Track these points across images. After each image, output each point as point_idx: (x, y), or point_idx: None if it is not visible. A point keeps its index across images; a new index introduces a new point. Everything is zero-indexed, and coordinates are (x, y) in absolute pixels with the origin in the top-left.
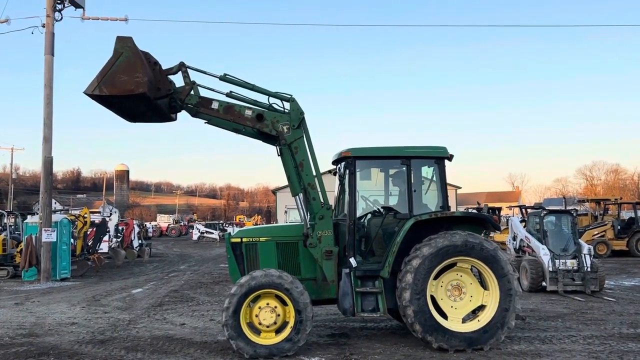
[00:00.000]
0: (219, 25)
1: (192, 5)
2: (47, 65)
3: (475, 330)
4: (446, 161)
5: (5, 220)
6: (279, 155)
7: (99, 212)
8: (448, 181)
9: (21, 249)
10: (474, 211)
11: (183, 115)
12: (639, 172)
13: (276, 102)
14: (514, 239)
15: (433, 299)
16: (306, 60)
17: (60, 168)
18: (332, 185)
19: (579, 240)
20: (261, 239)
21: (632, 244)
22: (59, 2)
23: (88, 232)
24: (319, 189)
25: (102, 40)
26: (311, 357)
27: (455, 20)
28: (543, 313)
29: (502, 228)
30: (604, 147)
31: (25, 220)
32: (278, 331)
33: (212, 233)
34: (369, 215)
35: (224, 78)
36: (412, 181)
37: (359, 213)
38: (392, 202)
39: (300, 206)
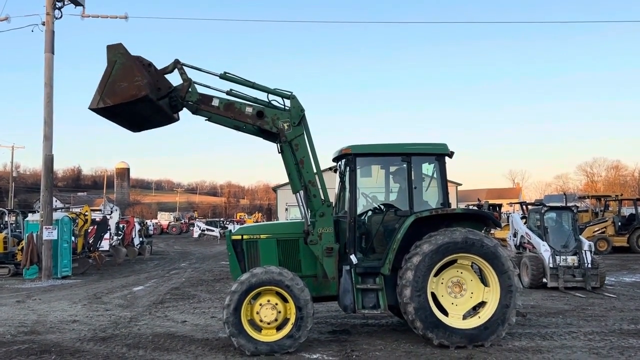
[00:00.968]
0: (221, 23)
1: (193, 4)
2: (47, 63)
3: (476, 326)
4: (447, 158)
5: (6, 219)
6: (279, 153)
7: (100, 210)
8: (448, 178)
9: (22, 247)
10: (475, 208)
11: (183, 113)
12: None
13: (276, 100)
14: (515, 235)
15: (434, 295)
16: (306, 58)
17: (61, 166)
18: (332, 183)
19: (580, 236)
20: (262, 236)
21: (633, 240)
22: (58, 0)
23: (89, 230)
24: (319, 186)
25: (102, 38)
26: (312, 354)
27: (456, 17)
28: (544, 309)
29: (503, 225)
30: (605, 143)
31: (26, 219)
32: (279, 328)
33: (213, 231)
34: (370, 213)
35: (224, 76)
36: (413, 178)
37: (359, 210)
38: (393, 199)
39: (301, 203)
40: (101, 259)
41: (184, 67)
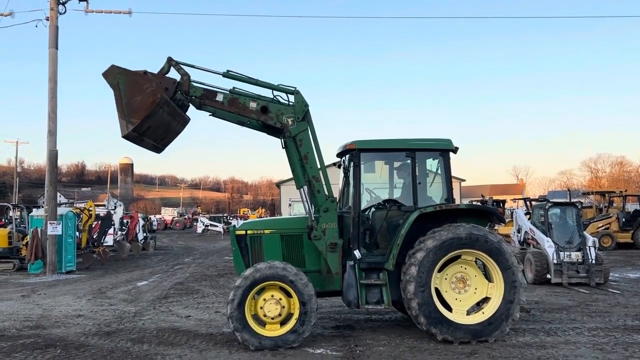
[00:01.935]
0: (225, 18)
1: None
2: (52, 58)
3: (480, 322)
4: (451, 154)
5: (10, 214)
6: (283, 148)
7: (104, 205)
8: (452, 174)
9: (27, 242)
10: (479, 204)
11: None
12: None
13: (281, 96)
14: (519, 231)
15: (437, 291)
16: (311, 53)
17: (65, 161)
18: (336, 178)
19: (584, 232)
20: (266, 231)
21: (637, 236)
22: None
23: (93, 225)
24: (323, 182)
25: (106, 34)
26: (316, 349)
27: (460, 12)
28: (547, 305)
29: (507, 220)
30: (609, 139)
31: (31, 214)
32: (283, 323)
33: (217, 226)
34: (374, 208)
35: (228, 75)
36: (417, 174)
37: (363, 205)
38: (397, 194)
39: (304, 199)
40: (105, 254)
41: (179, 64)
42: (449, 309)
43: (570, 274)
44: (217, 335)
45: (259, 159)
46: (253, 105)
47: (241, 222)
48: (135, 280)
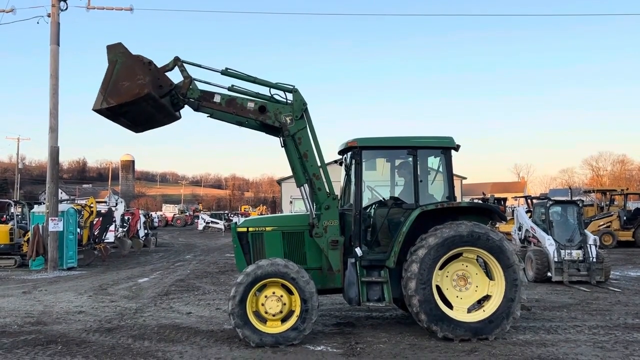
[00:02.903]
0: (229, 15)
1: None
2: (53, 55)
3: (481, 320)
4: (453, 151)
5: (12, 210)
6: (282, 147)
7: (105, 202)
8: (454, 171)
9: (28, 239)
10: (480, 202)
11: (185, 108)
12: None
13: (279, 94)
14: (520, 229)
15: (438, 288)
16: (313, 49)
17: (66, 158)
18: (338, 176)
19: (585, 230)
20: (267, 228)
21: (638, 234)
22: None
23: (94, 222)
24: (324, 179)
25: (108, 30)
26: (317, 346)
27: (462, 8)
28: (548, 303)
29: (508, 218)
30: (611, 137)
31: (32, 210)
32: (284, 320)
33: (218, 223)
34: (375, 205)
35: (226, 72)
36: (418, 171)
37: (364, 203)
38: (398, 192)
39: (305, 197)
40: (106, 251)
41: (184, 65)
42: (450, 306)
43: (571, 272)
44: (218, 332)
45: (260, 156)
46: (251, 105)
47: (242, 219)
48: (136, 277)
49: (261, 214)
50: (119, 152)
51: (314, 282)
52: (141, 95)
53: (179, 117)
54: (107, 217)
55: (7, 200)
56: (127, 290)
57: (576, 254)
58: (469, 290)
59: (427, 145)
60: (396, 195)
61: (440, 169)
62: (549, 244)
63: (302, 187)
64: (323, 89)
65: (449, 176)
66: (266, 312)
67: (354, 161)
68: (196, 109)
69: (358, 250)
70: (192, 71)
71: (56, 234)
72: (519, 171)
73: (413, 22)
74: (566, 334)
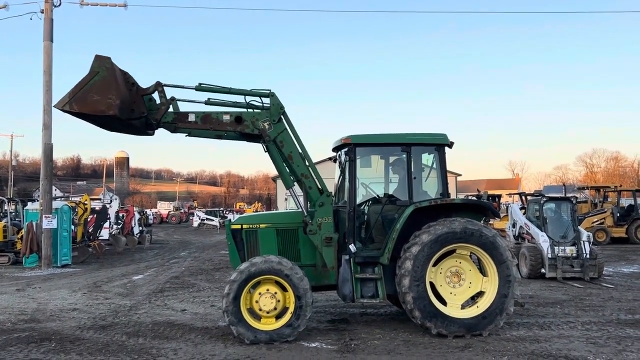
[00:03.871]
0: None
1: None
2: (46, 51)
3: (474, 316)
4: (446, 148)
5: (5, 207)
6: (265, 152)
7: (100, 199)
8: (448, 168)
9: (22, 236)
10: (474, 198)
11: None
12: (639, 159)
13: (256, 100)
14: (514, 226)
15: (432, 285)
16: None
17: (60, 155)
18: (332, 172)
19: (579, 227)
20: (261, 225)
21: (631, 231)
22: None
23: (88, 219)
24: (314, 177)
25: (101, 26)
26: (311, 343)
27: (454, 6)
28: (542, 299)
29: (502, 215)
30: (605, 134)
31: (26, 207)
32: (278, 317)
33: (213, 220)
34: (369, 202)
35: (200, 88)
36: (412, 168)
37: (359, 200)
38: (392, 189)
39: (295, 198)
40: (101, 248)
41: (164, 91)
42: (444, 303)
43: (565, 269)
44: (212, 329)
45: (255, 153)
46: (226, 117)
47: (237, 216)
48: (131, 274)
49: (256, 211)
50: (113, 149)
51: (308, 279)
52: (105, 114)
53: (150, 134)
54: (102, 214)
55: (0, 197)
56: (121, 287)
57: (570, 250)
58: (462, 287)
59: (421, 142)
60: (390, 192)
61: (434, 166)
62: (542, 240)
63: (291, 189)
64: (319, 86)
65: (443, 173)
66: (260, 309)
67: (348, 158)
68: (173, 131)
69: (352, 247)
70: (172, 91)
71: (50, 231)
72: (514, 168)
73: (407, 18)
74: (559, 330)
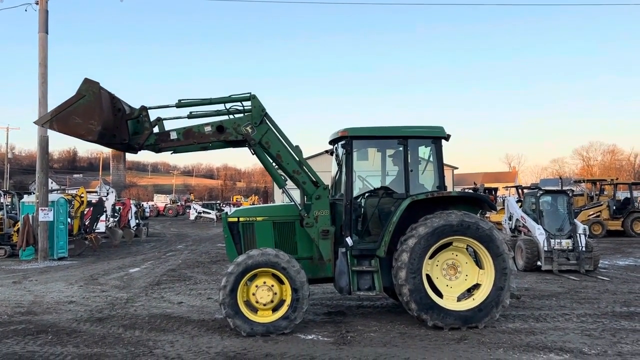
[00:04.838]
0: (219, 3)
1: None
2: (42, 43)
3: (470, 308)
4: (443, 141)
5: (1, 200)
6: (253, 155)
7: (96, 192)
8: (445, 161)
9: (18, 229)
10: (471, 191)
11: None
12: (636, 152)
13: (238, 105)
14: (510, 218)
15: (429, 277)
16: (307, 39)
17: (57, 148)
18: (328, 165)
19: (575, 220)
20: (258, 218)
21: (627, 224)
22: None
23: (85, 212)
24: (307, 172)
25: (97, 17)
26: (308, 335)
27: None
28: (538, 292)
29: (498, 208)
30: (601, 127)
31: (22, 200)
32: (275, 309)
33: (209, 213)
34: (366, 195)
35: (180, 104)
36: (409, 161)
37: (355, 193)
38: (389, 182)
39: (290, 197)
40: (97, 241)
41: (149, 115)
42: (440, 295)
43: (561, 261)
44: (209, 321)
45: None
46: (208, 129)
47: (234, 209)
48: (128, 267)
49: (253, 204)
50: None
51: (305, 272)
52: (84, 139)
53: (134, 152)
54: (98, 207)
55: None
56: (118, 280)
57: (566, 243)
58: (458, 279)
59: (418, 134)
60: (387, 184)
61: (431, 159)
62: (539, 233)
63: (284, 188)
64: (314, 79)
65: (440, 166)
66: (257, 302)
67: (344, 151)
68: (158, 151)
69: (349, 240)
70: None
71: (46, 224)
72: (510, 161)
73: (404, 11)
74: (555, 322)
